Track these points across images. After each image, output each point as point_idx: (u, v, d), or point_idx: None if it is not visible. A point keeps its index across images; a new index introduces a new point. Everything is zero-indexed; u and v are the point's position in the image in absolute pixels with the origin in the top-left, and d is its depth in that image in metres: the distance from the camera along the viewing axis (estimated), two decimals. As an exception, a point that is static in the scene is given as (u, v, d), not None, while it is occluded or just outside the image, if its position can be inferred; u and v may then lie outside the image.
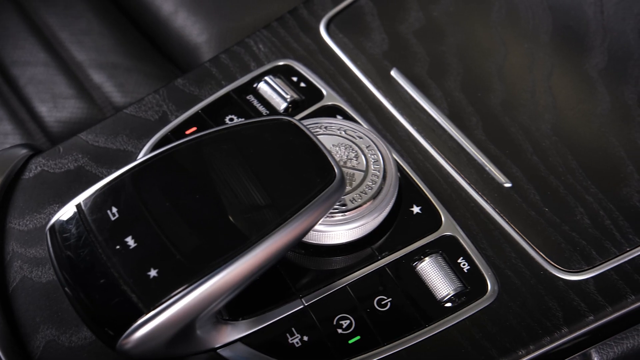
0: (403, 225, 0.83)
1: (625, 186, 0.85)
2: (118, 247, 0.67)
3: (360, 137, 0.84)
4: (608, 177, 0.86)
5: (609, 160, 0.87)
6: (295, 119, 0.76)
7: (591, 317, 0.78)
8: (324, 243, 0.80)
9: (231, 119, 0.92)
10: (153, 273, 0.66)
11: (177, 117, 0.93)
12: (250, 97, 0.94)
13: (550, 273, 0.81)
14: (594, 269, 0.81)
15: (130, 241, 0.68)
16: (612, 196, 0.85)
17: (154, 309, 0.65)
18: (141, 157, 0.86)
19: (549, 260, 0.82)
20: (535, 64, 0.95)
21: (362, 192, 0.80)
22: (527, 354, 0.77)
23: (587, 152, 0.88)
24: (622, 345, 0.82)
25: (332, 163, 0.73)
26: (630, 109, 0.90)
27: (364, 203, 0.79)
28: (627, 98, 0.90)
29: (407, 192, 0.86)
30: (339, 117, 0.91)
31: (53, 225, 0.70)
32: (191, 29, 1.27)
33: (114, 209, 0.69)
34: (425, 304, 0.79)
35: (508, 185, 0.87)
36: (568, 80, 0.94)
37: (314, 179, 0.72)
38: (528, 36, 0.97)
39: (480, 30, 0.99)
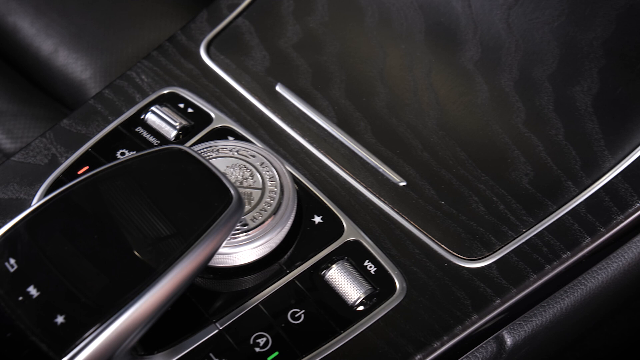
0: (307, 236, 0.84)
1: (514, 170, 0.89)
2: (21, 298, 0.66)
3: (253, 156, 0.85)
4: (496, 163, 0.90)
5: (495, 147, 0.90)
6: (185, 147, 0.76)
7: (498, 301, 0.81)
8: (232, 264, 0.81)
9: (123, 154, 0.91)
10: (60, 319, 0.65)
11: (67, 158, 0.92)
12: (140, 129, 0.93)
13: (454, 263, 0.84)
14: (495, 254, 0.84)
15: (32, 291, 0.66)
16: (503, 182, 0.88)
17: (65, 356, 0.64)
18: (35, 203, 0.84)
19: (451, 251, 0.84)
20: (414, 64, 0.98)
21: (262, 210, 0.81)
22: (442, 345, 0.79)
23: (474, 143, 0.91)
24: (531, 323, 0.85)
25: (228, 185, 0.73)
26: (508, 96, 0.93)
27: (265, 220, 0.80)
28: (504, 86, 0.94)
29: (306, 203, 0.87)
30: (230, 138, 0.92)
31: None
32: (74, 66, 1.25)
33: (12, 260, 0.68)
34: (338, 311, 0.80)
35: (403, 184, 0.89)
36: (447, 76, 0.97)
37: (212, 203, 0.73)
38: (403, 37, 1.00)
39: (357, 36, 1.01)
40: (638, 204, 0.85)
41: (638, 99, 0.88)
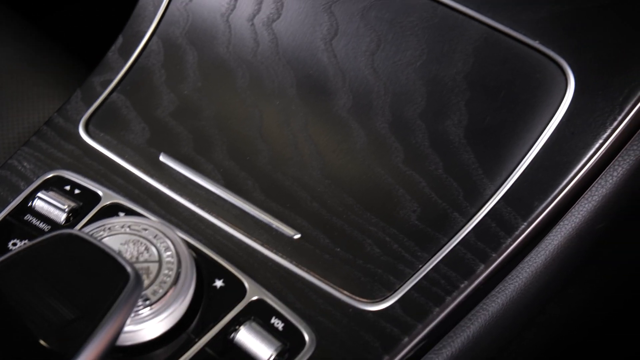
0: (210, 302, 0.84)
1: (401, 209, 0.91)
2: None
3: (146, 229, 0.84)
4: (384, 204, 0.92)
5: (380, 189, 0.93)
6: (75, 230, 0.76)
7: (406, 339, 0.83)
8: (139, 341, 0.80)
9: (14, 244, 0.89)
10: None
11: (-49, 257, 0.89)
12: (29, 217, 0.92)
13: (358, 308, 0.85)
14: (396, 293, 0.86)
15: None
16: (393, 221, 0.91)
17: None
18: None
19: (353, 296, 0.86)
20: (290, 118, 1.00)
21: (161, 282, 0.80)
22: (359, 389, 0.80)
23: (360, 187, 0.94)
24: (442, 355, 0.88)
25: (123, 263, 0.73)
26: (385, 137, 0.96)
27: (167, 292, 0.80)
28: (380, 128, 0.97)
29: (206, 269, 0.87)
30: (121, 214, 0.91)
31: None
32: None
33: None
34: (252, 372, 0.80)
35: (297, 236, 0.90)
36: (324, 126, 0.99)
37: (109, 283, 0.72)
38: (276, 93, 1.02)
39: (232, 98, 1.03)
40: (523, 225, 0.88)
41: (506, 126, 0.93)
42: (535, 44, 0.91)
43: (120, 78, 1.05)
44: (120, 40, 1.08)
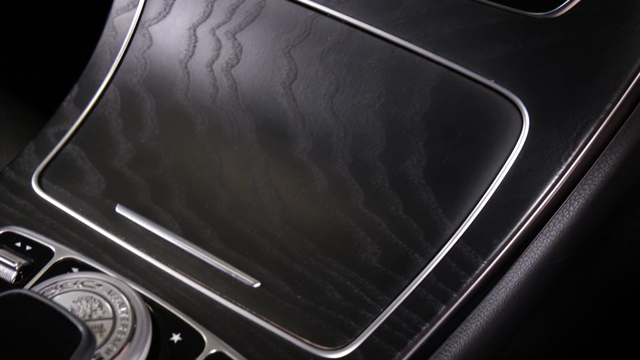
0: (167, 357, 0.83)
1: (362, 252, 0.91)
2: None
3: (100, 285, 0.83)
4: (345, 248, 0.91)
5: (341, 232, 0.92)
6: (25, 290, 0.74)
7: (367, 385, 0.82)
8: (93, 403, 0.78)
9: (-38, 305, 0.87)
10: None
11: None
12: (-22, 276, 0.90)
13: (320, 356, 0.84)
14: (357, 339, 0.85)
15: None
16: (354, 265, 0.90)
17: None
18: None
19: (314, 344, 0.85)
20: (250, 163, 0.99)
21: (116, 340, 0.79)
22: None
23: (320, 231, 0.93)
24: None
25: (75, 322, 0.71)
26: (345, 180, 0.96)
27: (121, 350, 0.78)
28: (340, 171, 0.96)
29: (163, 323, 0.85)
30: (74, 270, 0.90)
31: None
32: None
33: None
34: None
35: (257, 285, 0.89)
36: (284, 170, 0.98)
37: (61, 343, 0.70)
38: (236, 139, 1.01)
39: (191, 145, 1.02)
40: (483, 264, 0.88)
41: (464, 165, 0.93)
42: (491, 83, 0.91)
43: (76, 128, 1.04)
44: (75, 89, 1.07)
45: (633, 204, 0.99)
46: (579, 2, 0.86)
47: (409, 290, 0.87)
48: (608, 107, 0.87)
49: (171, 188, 0.97)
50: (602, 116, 0.87)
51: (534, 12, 0.88)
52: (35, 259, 0.91)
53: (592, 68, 0.87)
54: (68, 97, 1.07)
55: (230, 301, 0.88)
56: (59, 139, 1.03)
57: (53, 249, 0.92)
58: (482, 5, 0.90)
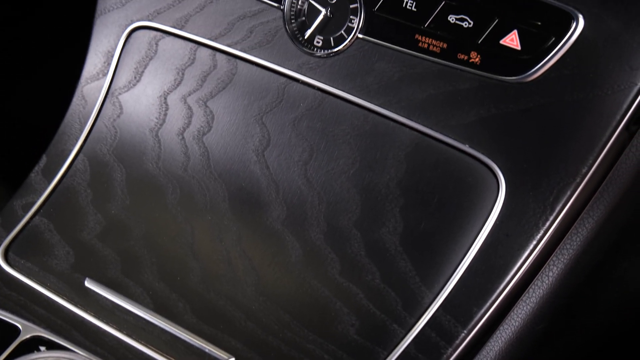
0: None
1: (339, 323, 0.89)
2: None
3: (67, 364, 0.80)
4: (321, 319, 0.89)
5: (317, 303, 0.90)
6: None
7: None
8: None
9: None
10: None
11: None
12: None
13: None
14: (335, 414, 0.82)
15: None
16: (331, 337, 0.88)
17: None
18: None
19: (291, 421, 0.82)
20: (223, 233, 0.97)
21: (84, 423, 0.76)
22: None
23: (296, 302, 0.91)
24: None
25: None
26: (320, 248, 0.94)
27: None
28: (315, 239, 0.95)
29: (133, 402, 0.83)
30: (42, 348, 0.87)
31: None
32: None
33: None
34: None
35: (232, 359, 0.87)
36: (258, 239, 0.97)
37: None
38: (208, 208, 0.99)
39: (162, 215, 1.00)
40: (463, 333, 0.86)
41: (441, 231, 0.91)
42: (465, 147, 0.91)
43: (44, 200, 1.02)
44: (44, 159, 1.06)
45: (612, 268, 0.98)
46: (551, 67, 0.86)
47: (388, 362, 0.85)
48: (584, 170, 0.86)
49: (142, 260, 0.95)
50: (578, 180, 0.86)
51: (506, 76, 0.88)
52: (0, 338, 0.88)
53: (567, 132, 0.87)
54: (36, 168, 1.05)
55: (204, 378, 0.86)
56: (26, 212, 1.01)
57: (20, 326, 0.89)
58: (455, 70, 0.90)
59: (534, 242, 0.87)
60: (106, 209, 1.01)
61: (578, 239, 0.89)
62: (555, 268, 0.88)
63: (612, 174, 0.89)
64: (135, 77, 1.06)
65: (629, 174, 0.89)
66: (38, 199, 1.02)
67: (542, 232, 0.87)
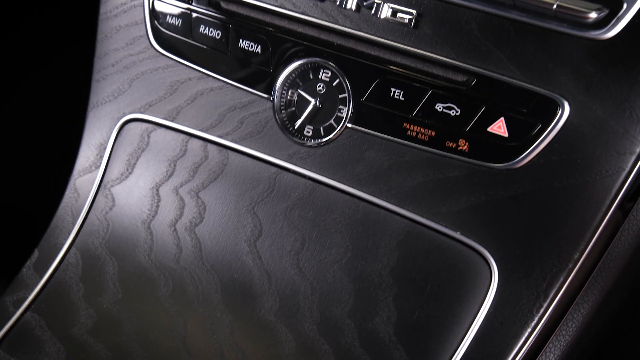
0: None
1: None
2: None
3: None
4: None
5: (312, 396, 0.89)
6: None
7: None
8: None
9: None
10: None
11: None
12: None
13: None
14: None
15: None
16: None
17: None
18: None
19: None
20: (215, 325, 0.96)
21: None
22: None
23: (289, 395, 0.89)
24: None
25: None
26: (314, 340, 0.93)
27: None
28: (308, 330, 0.94)
29: None
30: None
31: None
32: None
33: None
34: None
35: None
36: (250, 331, 0.95)
37: None
38: (200, 300, 0.99)
39: (154, 308, 0.99)
40: None
41: (435, 319, 0.91)
42: (457, 235, 0.90)
43: (35, 295, 1.01)
44: (35, 254, 1.05)
45: (610, 352, 0.97)
46: (538, 153, 0.86)
47: None
48: (576, 256, 0.86)
49: (134, 355, 0.94)
50: (570, 265, 0.86)
51: (495, 163, 0.88)
52: None
53: (557, 217, 0.87)
54: (28, 263, 1.05)
55: None
56: (17, 308, 1.00)
57: None
58: (444, 158, 0.90)
59: (529, 330, 0.86)
60: (98, 303, 1.00)
61: (574, 325, 0.88)
62: (552, 355, 0.87)
63: (605, 257, 0.88)
64: (127, 169, 1.06)
65: (623, 257, 0.88)
66: (29, 294, 1.01)
67: (536, 319, 0.86)
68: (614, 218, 0.86)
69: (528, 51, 0.85)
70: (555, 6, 0.81)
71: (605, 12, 0.81)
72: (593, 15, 0.81)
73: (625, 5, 0.81)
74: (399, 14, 0.90)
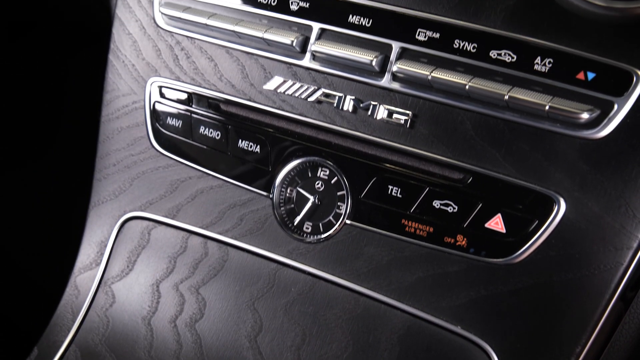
0: None
1: None
2: None
3: None
4: None
5: None
6: None
7: None
8: None
9: None
10: None
11: None
12: None
13: None
14: None
15: None
16: None
17: None
18: None
19: None
20: None
21: None
22: None
23: None
24: None
25: None
26: None
27: None
28: None
29: None
30: None
31: None
32: None
33: None
34: None
35: None
36: None
37: None
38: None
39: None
40: None
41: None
42: (457, 329, 0.91)
43: None
44: (35, 352, 1.05)
45: None
46: (536, 249, 0.87)
47: None
48: (578, 349, 0.86)
49: None
50: (573, 359, 0.86)
51: (493, 258, 0.89)
52: None
53: (558, 311, 0.87)
54: (27, 361, 1.04)
55: None
56: None
57: None
58: (443, 253, 0.91)
59: None
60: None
61: (578, 420, 0.87)
62: None
63: (607, 350, 0.88)
64: (127, 266, 1.07)
65: (626, 349, 0.89)
66: None
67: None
68: (615, 310, 0.86)
69: (522, 150, 0.86)
70: (547, 107, 0.83)
71: (597, 112, 0.83)
72: (585, 116, 0.83)
73: (616, 106, 0.82)
74: (395, 115, 0.92)
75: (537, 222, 0.87)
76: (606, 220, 0.84)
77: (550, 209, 0.86)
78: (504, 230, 0.88)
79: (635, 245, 0.84)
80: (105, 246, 1.08)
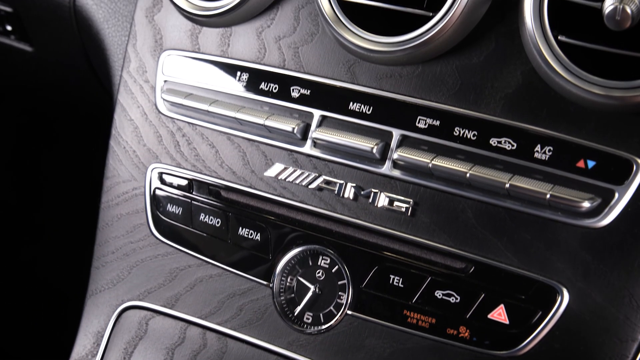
0: None
1: None
2: None
3: None
4: None
5: None
6: None
7: None
8: None
9: None
10: None
11: None
12: None
13: None
14: None
15: None
16: None
17: None
18: None
19: None
20: None
21: None
22: None
23: None
24: None
25: None
26: None
27: None
28: None
29: None
30: None
31: None
32: None
33: None
34: None
35: None
36: None
37: None
38: None
39: None
40: None
41: None
42: None
43: None
44: None
45: None
46: (540, 340, 0.85)
47: None
48: None
49: None
50: None
51: (496, 350, 0.87)
52: None
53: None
54: None
55: None
56: None
57: None
58: (446, 345, 0.89)
59: None
60: None
61: None
62: None
63: None
64: (124, 358, 1.05)
65: None
66: None
67: None
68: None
69: (524, 239, 0.86)
70: (548, 196, 0.83)
71: (598, 201, 0.83)
72: (586, 204, 0.82)
73: (617, 195, 0.82)
74: (396, 203, 0.91)
75: (540, 313, 0.85)
76: (610, 311, 0.83)
77: (554, 299, 0.85)
78: (507, 322, 0.87)
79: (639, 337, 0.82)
80: (102, 337, 1.07)
